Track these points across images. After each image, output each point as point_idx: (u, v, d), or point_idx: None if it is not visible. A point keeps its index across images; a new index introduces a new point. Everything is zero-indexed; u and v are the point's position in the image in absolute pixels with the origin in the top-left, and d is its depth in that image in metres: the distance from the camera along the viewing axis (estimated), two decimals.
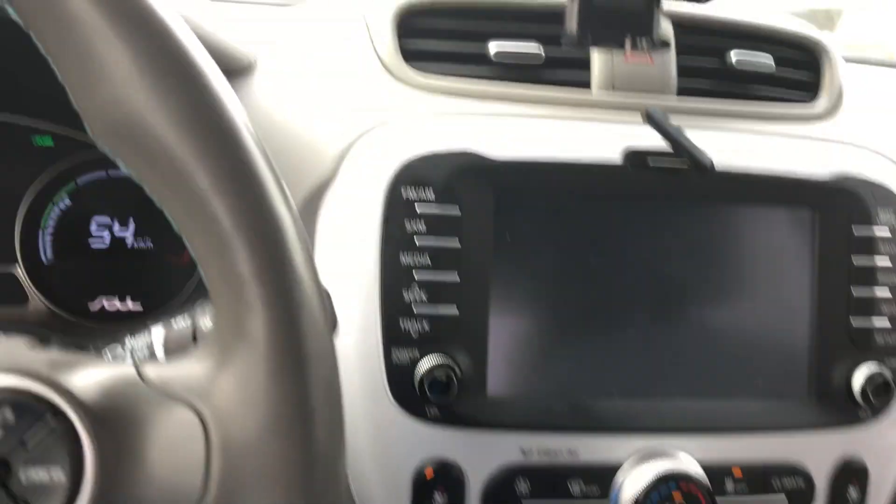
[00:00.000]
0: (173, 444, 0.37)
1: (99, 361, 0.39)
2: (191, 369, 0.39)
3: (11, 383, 0.36)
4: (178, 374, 0.39)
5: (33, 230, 0.81)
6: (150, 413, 0.37)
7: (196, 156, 0.37)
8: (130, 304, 0.85)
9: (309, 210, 0.73)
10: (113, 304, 0.85)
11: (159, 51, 0.37)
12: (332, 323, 0.52)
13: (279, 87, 0.77)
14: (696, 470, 0.73)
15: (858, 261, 0.79)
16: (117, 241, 0.85)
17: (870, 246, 0.79)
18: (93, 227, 0.85)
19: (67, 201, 0.83)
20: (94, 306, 0.84)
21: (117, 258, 0.84)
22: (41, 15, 0.37)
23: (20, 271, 0.80)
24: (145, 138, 0.37)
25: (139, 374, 0.39)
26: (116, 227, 0.85)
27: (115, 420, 0.37)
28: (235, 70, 0.77)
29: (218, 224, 0.37)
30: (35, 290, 0.81)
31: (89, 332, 0.81)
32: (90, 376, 0.38)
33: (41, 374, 0.36)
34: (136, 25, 0.37)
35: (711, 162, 0.74)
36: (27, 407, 0.35)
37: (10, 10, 0.38)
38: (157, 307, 0.85)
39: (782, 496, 0.77)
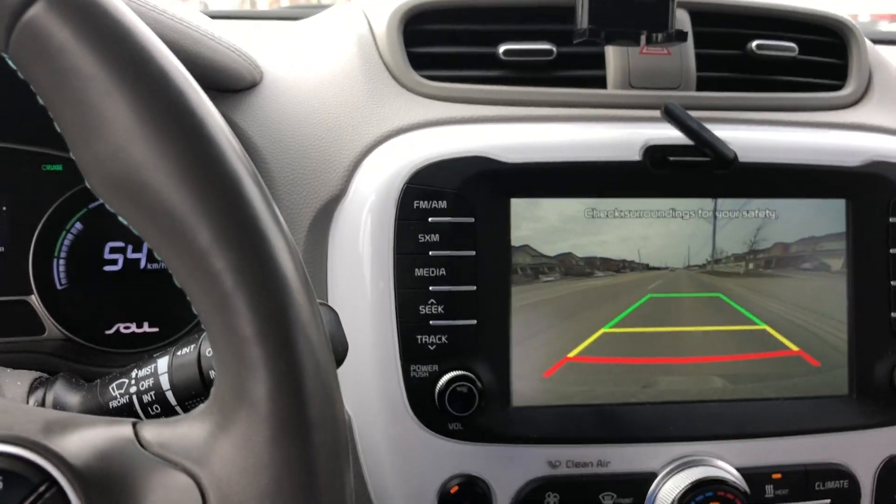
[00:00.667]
0: None
1: (95, 422, 0.37)
2: (190, 432, 0.37)
3: (4, 450, 0.34)
4: (176, 437, 0.37)
5: (47, 258, 0.80)
6: (147, 478, 0.36)
7: (196, 212, 0.35)
8: (146, 327, 0.84)
9: (321, 224, 0.71)
10: (128, 328, 0.83)
11: (159, 104, 0.35)
12: (340, 346, 0.50)
13: (288, 100, 0.76)
14: (733, 476, 0.70)
15: None
16: (131, 265, 0.84)
17: None
18: (106, 252, 0.84)
19: (80, 227, 0.82)
20: (110, 331, 0.83)
21: (131, 281, 0.83)
22: (39, 67, 0.35)
23: (35, 300, 0.80)
24: (144, 193, 0.35)
25: (136, 435, 0.37)
26: (130, 250, 0.84)
27: (110, 485, 0.35)
28: (243, 86, 0.76)
29: (219, 283, 0.35)
30: (50, 319, 0.80)
31: (105, 358, 0.80)
32: (85, 439, 0.36)
33: (34, 441, 0.35)
34: (135, 78, 0.35)
35: (735, 155, 0.72)
36: (19, 476, 0.34)
37: (8, 60, 0.36)
38: (172, 329, 0.84)
39: (826, 500, 0.74)
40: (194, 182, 0.35)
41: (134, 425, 0.38)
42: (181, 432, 0.37)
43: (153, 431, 0.37)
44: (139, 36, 0.37)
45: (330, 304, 0.70)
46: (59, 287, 0.81)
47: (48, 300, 0.80)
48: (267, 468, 0.34)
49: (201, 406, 0.38)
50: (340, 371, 0.70)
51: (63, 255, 0.82)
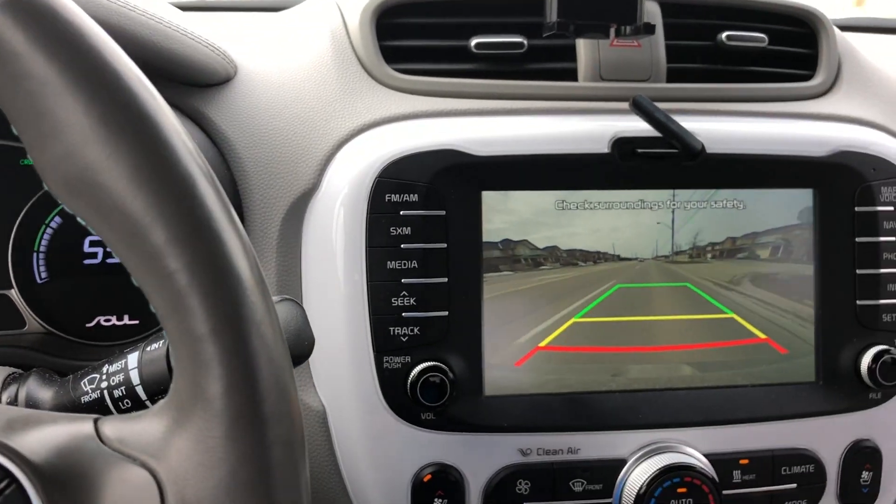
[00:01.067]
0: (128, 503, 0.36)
1: (57, 419, 0.38)
2: (149, 427, 0.38)
3: None
4: (135, 433, 0.38)
5: (27, 252, 0.81)
6: (106, 472, 0.37)
7: (150, 212, 0.36)
8: (126, 320, 0.85)
9: (294, 218, 0.72)
10: (109, 320, 0.84)
11: (112, 106, 0.36)
12: (306, 341, 0.51)
13: (261, 94, 0.76)
14: (701, 462, 0.72)
15: (862, 239, 0.76)
16: (110, 258, 0.84)
17: (873, 223, 0.76)
18: (85, 246, 0.84)
19: (59, 221, 0.82)
20: (90, 324, 0.84)
21: (111, 274, 0.84)
22: None
23: (15, 294, 0.80)
24: (99, 193, 0.36)
25: (97, 431, 0.38)
26: None
27: (69, 481, 0.36)
28: (217, 80, 0.76)
29: (173, 281, 0.36)
30: (31, 313, 0.80)
31: (86, 351, 0.81)
32: (46, 436, 0.37)
33: None
34: (89, 81, 0.36)
35: (702, 146, 0.73)
36: None
37: None
38: (152, 321, 0.84)
39: (793, 485, 0.76)
40: (148, 183, 0.36)
41: (95, 422, 0.39)
42: (139, 428, 0.38)
43: (113, 427, 0.38)
44: (93, 39, 0.37)
45: (304, 296, 0.71)
46: (39, 281, 0.82)
47: (28, 294, 0.81)
48: (222, 463, 0.36)
49: (160, 402, 0.39)
50: (314, 362, 0.71)
51: (43, 249, 0.82)
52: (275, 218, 0.71)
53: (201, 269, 0.36)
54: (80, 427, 0.38)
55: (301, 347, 0.51)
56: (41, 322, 0.81)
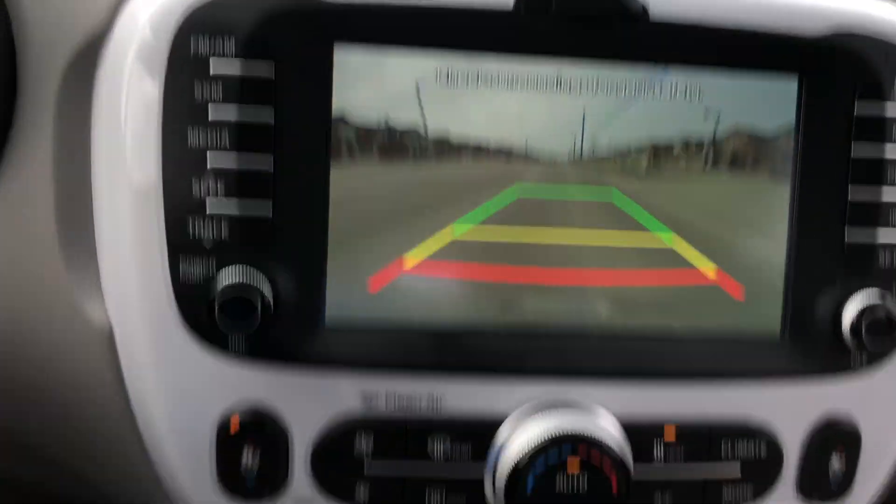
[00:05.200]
0: None
1: None
2: None
3: None
4: None
5: None
6: None
7: None
8: None
9: (81, 74, 0.53)
10: None
11: None
12: None
13: None
14: (605, 429, 0.54)
15: (860, 150, 0.56)
16: None
17: (877, 129, 0.56)
18: None
19: None
20: None
21: None
22: None
23: None
24: None
25: None
26: None
27: None
28: None
29: None
30: None
31: None
32: None
33: None
34: None
35: (644, 6, 0.53)
36: None
37: None
38: None
39: (734, 468, 0.57)
40: None
41: None
42: None
43: None
44: None
45: (94, 180, 0.54)
46: None
47: None
48: None
49: None
50: (104, 262, 0.54)
51: None
52: (53, 75, 0.53)
53: None
54: None
55: None
56: None
